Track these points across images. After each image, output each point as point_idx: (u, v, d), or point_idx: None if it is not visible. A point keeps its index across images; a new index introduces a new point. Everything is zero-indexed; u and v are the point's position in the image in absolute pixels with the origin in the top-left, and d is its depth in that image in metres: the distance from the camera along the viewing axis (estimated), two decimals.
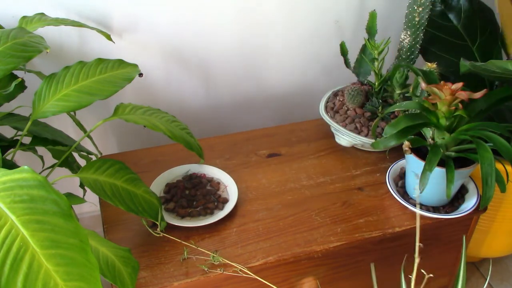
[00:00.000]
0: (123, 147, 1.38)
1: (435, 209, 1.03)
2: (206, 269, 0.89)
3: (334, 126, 1.18)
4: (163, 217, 0.92)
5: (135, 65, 0.99)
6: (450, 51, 1.27)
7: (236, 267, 0.89)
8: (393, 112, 1.17)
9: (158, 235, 0.94)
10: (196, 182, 1.06)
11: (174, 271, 0.89)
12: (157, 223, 0.92)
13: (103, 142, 1.34)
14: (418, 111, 0.97)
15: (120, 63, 0.97)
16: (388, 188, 1.05)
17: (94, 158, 1.10)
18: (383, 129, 1.11)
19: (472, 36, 1.27)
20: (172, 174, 1.08)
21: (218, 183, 1.07)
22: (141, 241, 0.95)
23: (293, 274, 0.97)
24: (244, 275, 0.90)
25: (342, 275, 1.03)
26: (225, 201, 1.03)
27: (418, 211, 0.95)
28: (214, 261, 0.90)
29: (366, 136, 1.15)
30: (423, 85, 0.94)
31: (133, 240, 0.95)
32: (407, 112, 1.08)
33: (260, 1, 1.27)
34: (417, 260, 0.67)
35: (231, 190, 1.05)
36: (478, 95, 0.89)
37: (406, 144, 0.96)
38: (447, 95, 0.89)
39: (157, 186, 1.05)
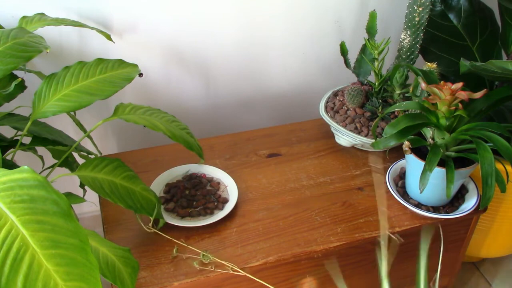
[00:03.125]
0: (123, 147, 1.38)
1: (435, 209, 1.03)
2: (198, 267, 0.89)
3: (334, 126, 1.18)
4: (161, 214, 0.93)
5: (135, 65, 0.99)
6: (450, 51, 1.27)
7: (228, 266, 0.89)
8: (393, 112, 1.17)
9: (149, 230, 0.93)
10: (196, 182, 1.06)
11: (174, 271, 0.89)
12: (151, 218, 0.92)
13: (103, 142, 1.34)
14: (418, 111, 0.97)
15: (120, 63, 0.97)
16: (388, 188, 1.05)
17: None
18: (383, 129, 1.11)
19: (472, 36, 1.27)
20: (172, 174, 1.08)
21: (218, 183, 1.07)
22: (141, 241, 0.95)
23: (293, 274, 0.97)
24: (242, 274, 0.90)
25: (342, 275, 1.03)
26: (225, 201, 1.03)
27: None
28: (204, 260, 0.90)
29: (366, 136, 1.15)
30: (423, 85, 0.94)
31: (133, 240, 0.95)
32: (407, 112, 1.08)
33: (260, 1, 1.27)
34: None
35: (231, 190, 1.05)
36: (478, 95, 0.89)
37: (406, 144, 0.96)
38: (447, 95, 0.89)
39: (157, 186, 1.05)
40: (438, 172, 0.94)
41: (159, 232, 0.93)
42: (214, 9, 1.24)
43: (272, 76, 1.42)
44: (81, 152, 1.06)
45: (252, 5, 1.27)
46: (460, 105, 0.90)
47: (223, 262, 0.90)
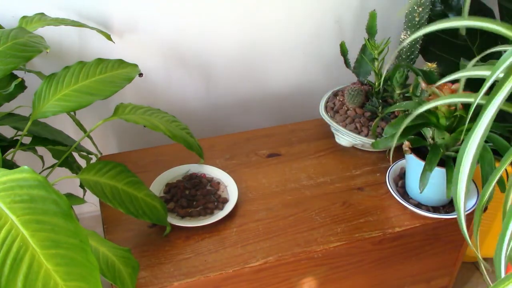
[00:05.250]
0: (123, 147, 1.38)
1: (435, 209, 1.03)
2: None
3: (334, 126, 1.18)
4: (167, 222, 0.92)
5: (135, 65, 0.99)
6: (450, 51, 1.27)
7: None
8: (393, 112, 1.17)
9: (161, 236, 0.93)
10: (196, 182, 1.06)
11: (174, 271, 0.89)
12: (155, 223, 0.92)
13: (103, 142, 1.34)
14: None
15: (120, 63, 0.97)
16: (388, 188, 1.05)
17: (94, 158, 1.10)
18: (383, 129, 1.11)
19: (472, 36, 1.27)
20: (172, 174, 1.08)
21: (218, 183, 1.07)
22: (141, 241, 0.95)
23: (293, 274, 0.97)
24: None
25: (342, 275, 1.03)
26: (225, 201, 1.03)
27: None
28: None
29: (366, 136, 1.15)
30: (423, 85, 0.94)
31: (133, 240, 0.95)
32: (407, 112, 1.08)
33: (261, 2, 1.27)
34: None
35: (231, 190, 1.05)
36: (478, 95, 0.89)
37: (406, 144, 0.96)
38: (447, 95, 0.89)
39: (157, 186, 1.05)
40: (438, 172, 0.94)
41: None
42: (215, 9, 1.24)
43: (272, 76, 1.42)
44: (81, 152, 1.06)
45: (252, 6, 1.27)
46: (460, 105, 0.90)
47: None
